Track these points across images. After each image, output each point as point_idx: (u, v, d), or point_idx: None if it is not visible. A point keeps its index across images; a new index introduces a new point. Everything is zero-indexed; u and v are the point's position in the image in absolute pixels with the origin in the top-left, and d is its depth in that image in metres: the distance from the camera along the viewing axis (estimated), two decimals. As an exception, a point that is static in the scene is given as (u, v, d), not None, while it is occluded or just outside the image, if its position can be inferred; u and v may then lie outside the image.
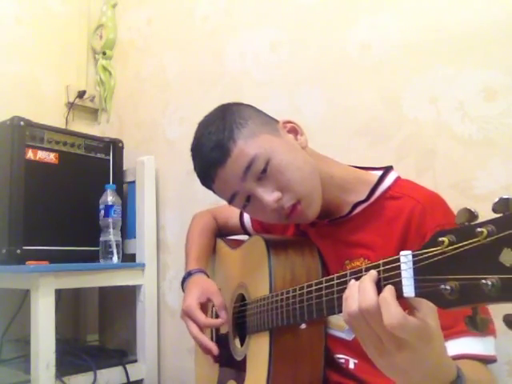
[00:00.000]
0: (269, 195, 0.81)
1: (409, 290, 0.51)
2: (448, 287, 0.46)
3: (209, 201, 1.51)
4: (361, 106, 1.22)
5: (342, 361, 0.85)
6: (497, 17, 1.02)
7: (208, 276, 1.05)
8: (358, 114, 1.22)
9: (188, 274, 1.04)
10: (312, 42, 1.33)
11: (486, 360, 0.69)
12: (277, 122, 0.89)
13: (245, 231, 1.16)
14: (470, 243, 0.45)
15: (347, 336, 0.84)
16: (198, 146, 0.87)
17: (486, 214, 1.03)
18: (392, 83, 1.17)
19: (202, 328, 0.95)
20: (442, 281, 0.47)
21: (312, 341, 0.85)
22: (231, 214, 1.17)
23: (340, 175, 0.88)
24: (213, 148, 0.82)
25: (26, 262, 1.37)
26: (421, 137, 1.12)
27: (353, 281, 0.58)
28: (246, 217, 1.14)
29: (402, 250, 0.76)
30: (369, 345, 0.55)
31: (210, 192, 1.54)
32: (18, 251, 1.39)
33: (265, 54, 1.44)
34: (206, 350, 0.95)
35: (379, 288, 0.54)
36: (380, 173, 0.87)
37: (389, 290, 0.52)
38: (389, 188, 0.85)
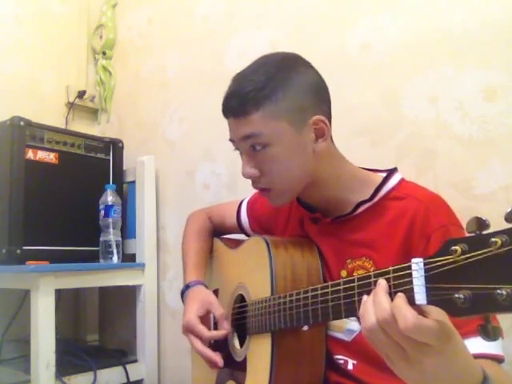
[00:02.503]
0: (247, 168, 0.84)
1: (420, 297, 0.52)
2: (461, 296, 0.47)
3: (208, 200, 1.52)
4: (361, 105, 1.22)
5: (341, 361, 0.85)
6: (497, 17, 1.02)
7: (206, 286, 1.05)
8: (358, 113, 1.22)
9: (186, 287, 1.04)
10: (312, 42, 1.33)
11: (498, 359, 0.69)
12: (314, 113, 0.82)
13: (242, 230, 1.15)
14: (484, 253, 0.46)
15: (346, 337, 0.85)
16: (236, 81, 0.85)
17: (485, 213, 1.03)
18: (392, 83, 1.17)
19: (205, 342, 0.95)
20: (455, 289, 0.47)
21: (313, 342, 0.85)
22: (228, 213, 1.17)
23: (347, 176, 0.88)
24: (240, 98, 0.81)
25: (26, 262, 1.37)
26: (421, 137, 1.12)
27: (365, 296, 0.58)
28: (244, 216, 1.14)
29: (406, 250, 0.77)
30: (394, 358, 0.54)
31: (210, 192, 1.56)
32: (18, 251, 1.39)
33: (265, 53, 1.43)
34: (212, 364, 0.94)
35: (390, 296, 0.54)
36: (385, 174, 0.87)
37: (400, 297, 0.53)
38: (393, 189, 0.84)
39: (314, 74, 0.85)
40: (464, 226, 0.79)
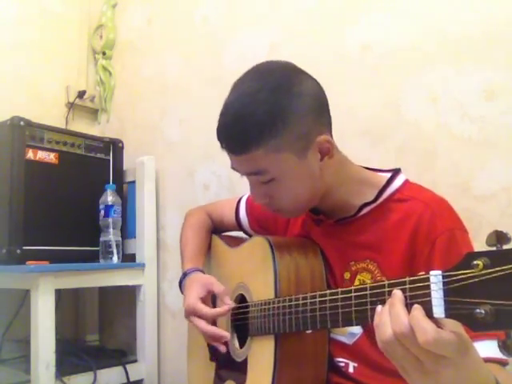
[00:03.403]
0: (258, 198, 0.85)
1: (439, 310, 0.51)
2: (482, 311, 0.46)
3: (208, 201, 1.51)
4: (361, 105, 1.22)
5: (342, 364, 0.85)
6: (497, 17, 1.02)
7: (204, 273, 1.04)
8: (358, 113, 1.22)
9: (184, 275, 1.04)
10: (312, 42, 1.33)
11: (503, 363, 0.69)
12: (317, 133, 0.79)
13: (241, 229, 1.15)
14: (508, 268, 0.45)
15: (348, 340, 0.84)
16: (232, 112, 0.79)
17: (485, 214, 1.02)
18: (392, 83, 1.17)
19: (209, 321, 0.94)
20: (476, 304, 0.47)
21: (316, 345, 0.85)
22: (226, 211, 1.16)
23: (351, 179, 0.87)
24: (238, 136, 0.77)
25: (26, 262, 1.37)
26: (421, 137, 1.11)
27: (380, 306, 0.57)
28: (243, 215, 1.13)
29: (410, 253, 0.77)
30: (411, 370, 0.54)
31: (210, 192, 1.56)
32: (18, 251, 1.39)
33: (264, 54, 1.44)
34: (220, 338, 0.92)
35: (405, 306, 0.54)
36: (388, 175, 0.86)
37: (418, 309, 0.52)
38: (397, 190, 0.84)
39: (310, 88, 0.81)
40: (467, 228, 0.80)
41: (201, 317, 0.94)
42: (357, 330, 0.83)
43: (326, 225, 0.90)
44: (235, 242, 1.08)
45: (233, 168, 0.85)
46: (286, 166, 0.79)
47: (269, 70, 0.81)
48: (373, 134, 1.19)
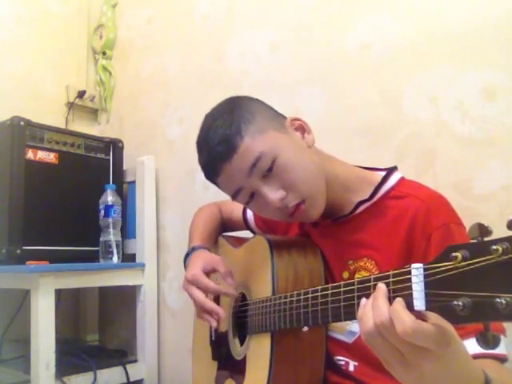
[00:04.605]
0: (273, 194, 0.80)
1: (419, 303, 0.51)
2: (460, 303, 0.46)
3: (208, 200, 1.51)
4: (361, 105, 1.22)
5: (342, 363, 0.85)
6: (497, 17, 1.02)
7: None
8: (358, 113, 1.22)
9: (192, 250, 1.02)
10: (312, 42, 1.33)
11: (501, 359, 0.69)
12: (284, 118, 0.88)
13: (247, 227, 1.15)
14: (485, 260, 0.45)
15: (347, 339, 0.84)
16: (205, 139, 0.86)
17: (485, 213, 1.02)
18: (392, 83, 1.17)
19: (207, 295, 0.92)
20: (454, 296, 0.47)
21: (313, 344, 0.85)
22: (236, 206, 1.16)
23: (344, 175, 0.87)
24: (219, 142, 0.81)
25: (26, 262, 1.37)
26: (421, 137, 1.12)
27: (364, 299, 0.58)
28: (249, 212, 1.13)
29: (407, 250, 0.77)
30: (393, 362, 0.54)
31: (210, 192, 1.55)
32: (18, 251, 1.40)
33: (265, 54, 1.44)
34: (214, 313, 0.91)
35: (389, 300, 0.54)
36: (384, 173, 0.87)
37: (399, 302, 0.52)
38: (392, 188, 0.84)
39: (256, 101, 0.88)
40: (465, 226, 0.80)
41: (201, 289, 0.92)
42: (356, 328, 0.83)
43: (323, 225, 0.91)
44: (238, 242, 1.09)
45: (234, 195, 0.85)
46: (277, 142, 0.81)
47: (215, 109, 0.89)
48: (373, 134, 1.19)
